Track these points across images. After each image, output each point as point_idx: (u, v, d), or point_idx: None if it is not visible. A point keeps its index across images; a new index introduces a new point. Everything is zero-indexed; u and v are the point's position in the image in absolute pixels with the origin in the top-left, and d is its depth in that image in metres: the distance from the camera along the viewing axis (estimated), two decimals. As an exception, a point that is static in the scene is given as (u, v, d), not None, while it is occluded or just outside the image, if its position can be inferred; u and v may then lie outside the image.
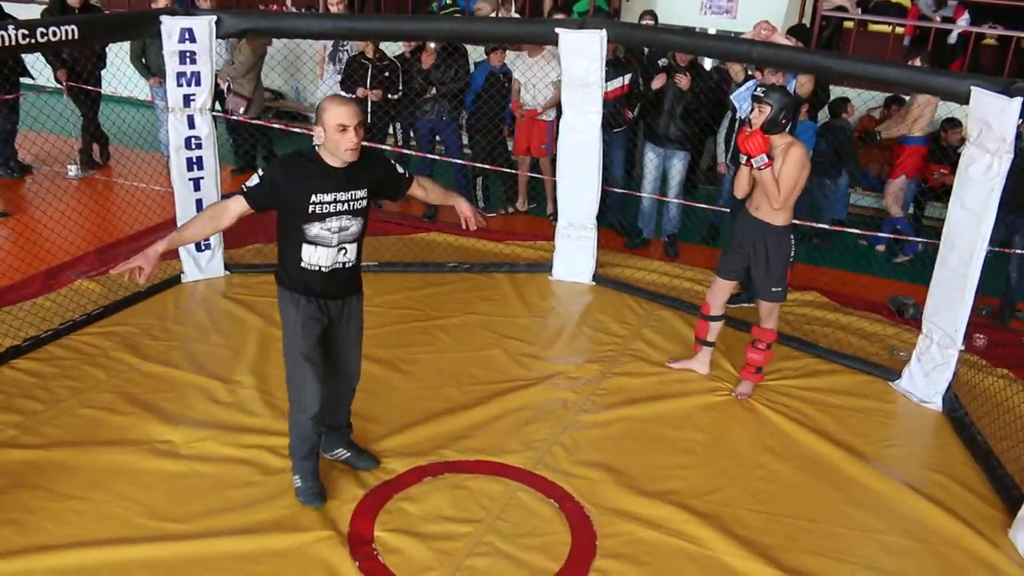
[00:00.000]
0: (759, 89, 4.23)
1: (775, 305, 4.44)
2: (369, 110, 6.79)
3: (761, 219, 4.31)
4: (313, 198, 3.20)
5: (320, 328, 3.39)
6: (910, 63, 6.06)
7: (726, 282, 4.57)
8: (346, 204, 3.28)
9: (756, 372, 4.59)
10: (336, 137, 3.16)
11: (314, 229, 3.24)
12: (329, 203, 3.24)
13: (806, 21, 8.32)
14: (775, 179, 4.14)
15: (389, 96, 6.84)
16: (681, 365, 4.87)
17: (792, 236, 4.35)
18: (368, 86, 6.72)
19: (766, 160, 4.10)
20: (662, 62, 6.52)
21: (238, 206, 3.27)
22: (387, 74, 6.80)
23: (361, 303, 3.56)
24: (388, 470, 3.81)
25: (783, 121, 4.14)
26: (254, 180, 3.23)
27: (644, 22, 6.95)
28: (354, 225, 3.33)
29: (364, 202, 3.34)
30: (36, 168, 7.56)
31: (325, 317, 3.39)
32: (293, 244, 3.29)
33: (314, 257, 3.28)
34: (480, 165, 6.98)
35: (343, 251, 3.34)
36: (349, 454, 3.82)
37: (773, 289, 4.37)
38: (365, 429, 4.08)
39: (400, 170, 3.52)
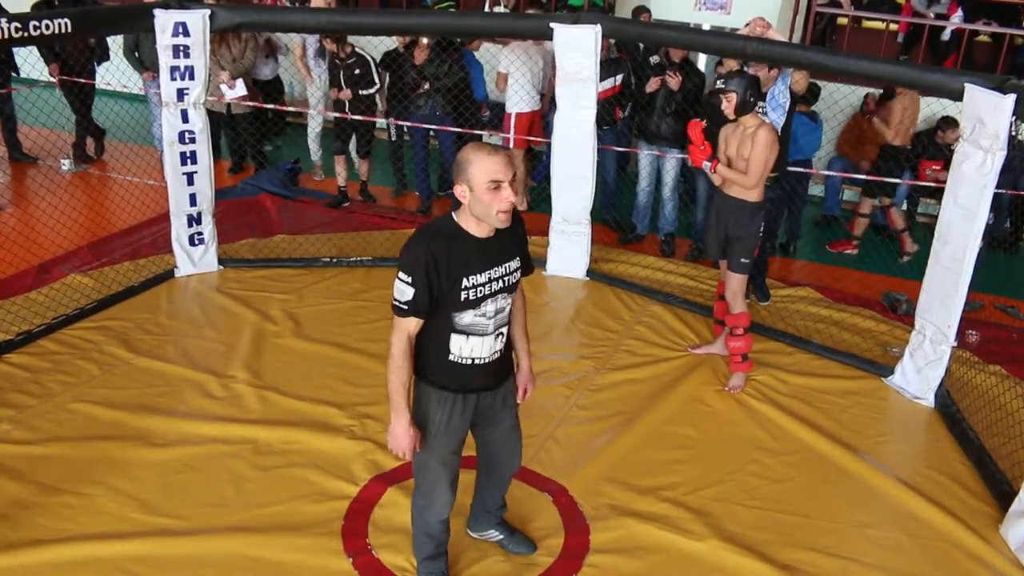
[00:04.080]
0: (719, 81, 4.38)
1: (739, 288, 4.57)
2: (347, 110, 6.80)
3: (734, 196, 4.51)
4: (465, 282, 2.58)
5: (467, 428, 2.86)
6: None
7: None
8: (501, 281, 2.67)
9: (742, 360, 4.62)
10: (487, 197, 2.50)
11: (467, 318, 2.65)
12: (483, 285, 2.62)
13: (800, 16, 8.32)
14: (736, 169, 4.43)
15: (360, 92, 6.82)
16: (703, 350, 4.98)
17: (763, 213, 4.55)
18: (343, 85, 6.72)
19: (709, 164, 4.51)
20: (654, 59, 6.50)
21: (412, 326, 2.63)
22: (357, 71, 6.77)
23: (514, 381, 2.99)
24: (382, 465, 3.81)
25: (751, 100, 4.36)
26: (405, 292, 2.55)
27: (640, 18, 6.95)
28: (509, 303, 2.77)
29: (517, 275, 2.75)
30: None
31: (472, 414, 2.83)
32: (437, 335, 2.67)
33: (466, 349, 2.69)
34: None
35: (500, 337, 2.76)
36: (502, 536, 3.35)
37: (742, 260, 4.55)
38: (362, 425, 4.09)
39: (529, 257, 2.89)
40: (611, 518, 3.58)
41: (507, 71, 6.78)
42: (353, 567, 3.23)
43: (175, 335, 4.87)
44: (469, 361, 2.72)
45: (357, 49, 6.78)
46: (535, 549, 3.38)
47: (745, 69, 4.80)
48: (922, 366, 4.62)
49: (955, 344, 4.49)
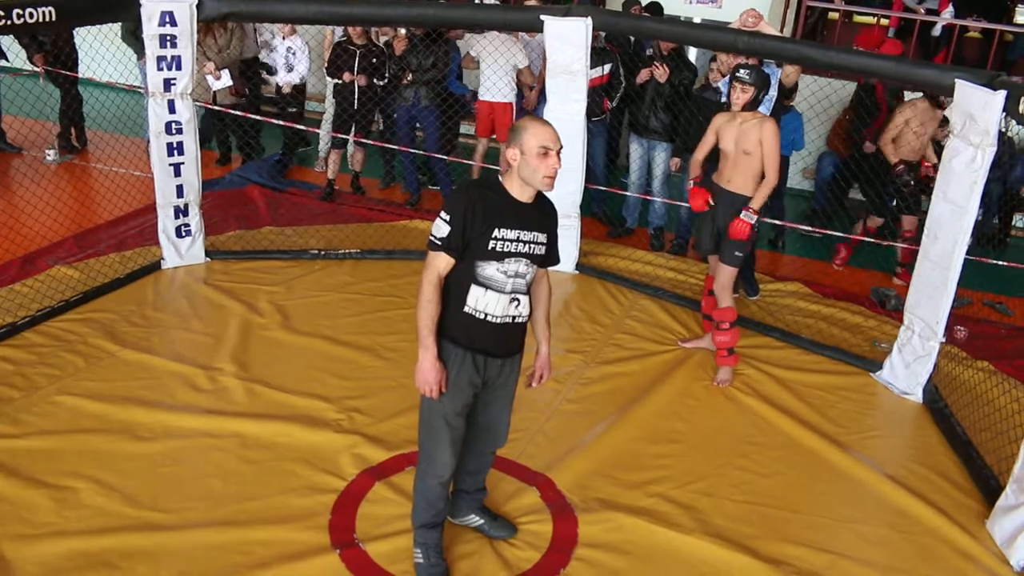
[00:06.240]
0: (743, 71, 4.33)
1: (729, 281, 4.58)
2: (356, 96, 6.75)
3: (736, 192, 4.52)
4: (496, 232, 2.79)
5: (473, 392, 2.98)
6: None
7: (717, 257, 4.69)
8: (528, 246, 2.86)
9: (728, 354, 4.62)
10: (536, 162, 2.76)
11: (488, 269, 2.83)
12: (512, 241, 2.82)
13: (791, 11, 8.32)
14: (762, 165, 4.40)
15: (375, 82, 6.79)
16: (693, 345, 4.99)
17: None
18: (355, 72, 6.67)
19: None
20: (648, 52, 6.50)
21: (442, 264, 2.82)
22: (373, 60, 6.74)
23: (521, 361, 3.13)
24: (370, 459, 3.79)
25: (761, 98, 4.42)
26: (442, 228, 2.78)
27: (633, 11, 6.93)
28: (529, 274, 2.92)
29: (543, 249, 2.92)
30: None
31: (480, 379, 2.96)
32: (458, 283, 2.85)
33: (481, 302, 2.85)
34: (468, 160, 6.93)
35: (516, 303, 2.90)
36: (482, 521, 3.42)
37: (736, 253, 4.56)
38: (350, 419, 4.07)
39: (558, 246, 3.08)
40: (599, 512, 3.58)
41: (477, 56, 6.84)
42: (340, 560, 3.22)
43: (161, 327, 4.83)
44: (482, 316, 2.87)
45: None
46: (515, 532, 3.42)
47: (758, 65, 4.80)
48: (910, 361, 4.63)
49: (943, 340, 4.51)
